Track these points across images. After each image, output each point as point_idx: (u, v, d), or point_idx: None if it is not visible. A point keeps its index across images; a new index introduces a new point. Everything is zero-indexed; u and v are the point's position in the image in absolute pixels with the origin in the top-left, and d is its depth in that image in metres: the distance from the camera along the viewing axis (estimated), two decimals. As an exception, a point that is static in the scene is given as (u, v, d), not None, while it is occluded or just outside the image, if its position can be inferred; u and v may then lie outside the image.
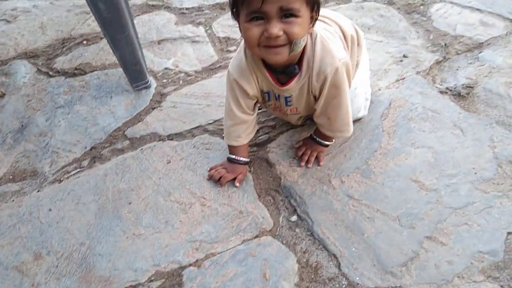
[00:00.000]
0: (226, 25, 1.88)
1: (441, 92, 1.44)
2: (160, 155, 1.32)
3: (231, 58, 1.27)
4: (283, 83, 1.07)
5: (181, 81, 1.61)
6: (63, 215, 1.18)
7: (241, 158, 1.22)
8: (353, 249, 1.04)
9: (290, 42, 0.90)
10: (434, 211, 1.10)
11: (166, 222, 1.14)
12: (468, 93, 1.43)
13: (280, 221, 1.13)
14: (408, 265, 1.00)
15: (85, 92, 1.59)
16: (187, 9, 2.03)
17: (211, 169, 1.25)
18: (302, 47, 0.96)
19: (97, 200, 1.21)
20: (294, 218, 1.14)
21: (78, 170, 1.31)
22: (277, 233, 1.10)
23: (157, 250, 1.08)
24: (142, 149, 1.35)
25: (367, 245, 1.05)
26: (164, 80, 1.62)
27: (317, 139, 1.23)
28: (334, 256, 1.04)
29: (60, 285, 1.03)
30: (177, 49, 1.77)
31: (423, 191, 1.15)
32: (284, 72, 1.05)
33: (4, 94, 1.61)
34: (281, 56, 0.93)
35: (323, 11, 1.07)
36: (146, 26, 1.91)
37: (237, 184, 1.21)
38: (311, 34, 1.02)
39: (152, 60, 1.72)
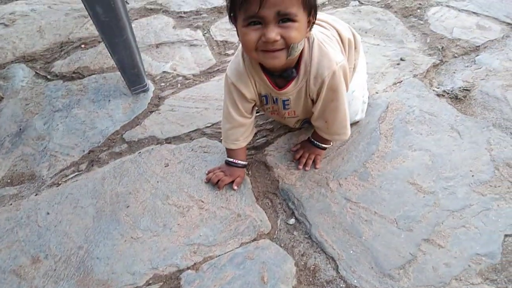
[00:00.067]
0: (224, 29, 1.89)
1: (438, 95, 1.45)
2: (158, 159, 1.32)
3: (229, 61, 1.28)
4: (280, 87, 1.08)
5: (179, 85, 1.61)
6: (61, 218, 1.18)
7: (239, 161, 1.22)
8: (351, 252, 1.05)
9: (288, 46, 0.91)
10: (432, 213, 1.10)
11: (164, 226, 1.14)
12: (465, 96, 1.44)
13: (278, 224, 1.14)
14: (406, 268, 1.00)
15: (83, 95, 1.59)
16: (185, 13, 2.04)
17: (209, 172, 1.25)
18: (300, 51, 0.96)
19: (95, 204, 1.21)
20: (292, 221, 1.14)
21: (76, 173, 1.31)
22: (275, 236, 1.11)
23: (155, 253, 1.08)
24: (140, 152, 1.35)
25: (365, 247, 1.05)
26: (162, 84, 1.62)
27: (315, 142, 1.24)
28: (332, 259, 1.04)
29: (58, 289, 1.03)
30: (175, 53, 1.77)
31: (421, 194, 1.15)
32: (281, 76, 1.06)
33: (2, 98, 1.61)
34: (279, 60, 0.93)
35: (320, 15, 1.08)
36: (144, 29, 1.92)
37: (235, 187, 1.21)
38: (308, 38, 1.02)
39: (150, 63, 1.72)
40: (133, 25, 1.61)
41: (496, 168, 1.19)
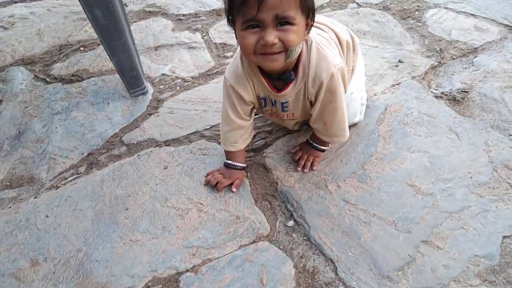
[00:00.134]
0: (223, 31, 1.89)
1: (437, 97, 1.45)
2: (157, 161, 1.32)
3: (227, 64, 1.28)
4: (279, 89, 1.08)
5: (178, 87, 1.61)
6: (60, 221, 1.18)
7: (238, 164, 1.22)
8: (350, 253, 1.05)
9: (286, 49, 0.91)
10: (430, 215, 1.10)
11: (163, 228, 1.14)
12: (463, 98, 1.44)
13: (277, 226, 1.14)
14: (405, 270, 1.00)
15: (82, 98, 1.59)
16: (184, 15, 2.04)
17: (208, 175, 1.25)
18: (298, 53, 0.97)
19: (94, 206, 1.21)
20: (291, 223, 1.14)
21: (75, 176, 1.31)
22: (274, 238, 1.11)
23: (154, 256, 1.08)
24: (139, 155, 1.35)
25: (364, 249, 1.05)
26: (161, 86, 1.63)
27: (314, 144, 1.24)
28: (331, 261, 1.04)
29: (57, 292, 1.03)
30: (174, 55, 1.78)
31: (419, 196, 1.15)
32: (280, 78, 1.06)
33: (1, 101, 1.61)
34: (277, 63, 0.94)
35: (318, 17, 1.08)
36: (143, 32, 1.92)
37: (234, 190, 1.21)
38: (306, 41, 1.03)
39: (149, 66, 1.72)
40: (132, 28, 1.62)
41: (494, 170, 1.20)
